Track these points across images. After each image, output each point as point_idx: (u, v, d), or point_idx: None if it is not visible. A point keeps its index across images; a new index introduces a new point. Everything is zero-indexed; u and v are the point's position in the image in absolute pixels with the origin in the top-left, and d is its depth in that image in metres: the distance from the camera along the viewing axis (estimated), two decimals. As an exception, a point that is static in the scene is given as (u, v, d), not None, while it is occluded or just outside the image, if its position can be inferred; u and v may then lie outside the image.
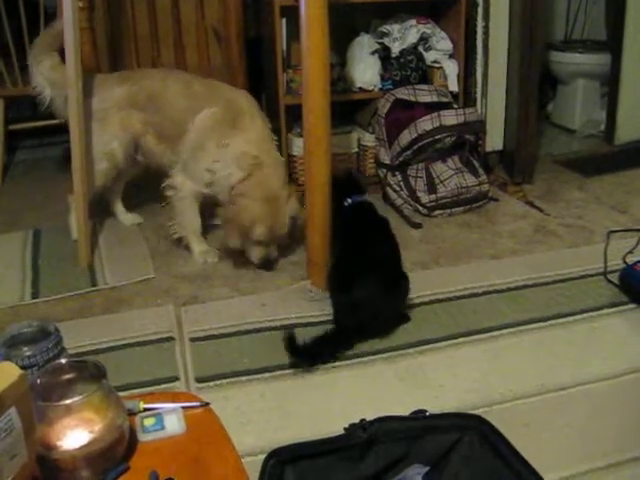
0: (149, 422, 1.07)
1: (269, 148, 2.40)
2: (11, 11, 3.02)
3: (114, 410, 0.97)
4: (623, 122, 3.56)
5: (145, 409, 1.10)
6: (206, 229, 2.59)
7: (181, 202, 2.46)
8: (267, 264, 2.41)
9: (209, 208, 2.56)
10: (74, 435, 0.93)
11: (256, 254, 2.38)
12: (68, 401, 0.94)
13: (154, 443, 1.04)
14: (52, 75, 2.47)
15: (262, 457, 1.09)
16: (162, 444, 1.04)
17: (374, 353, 1.91)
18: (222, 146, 2.34)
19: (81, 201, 2.42)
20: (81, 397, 0.94)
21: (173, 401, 1.13)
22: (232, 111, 2.38)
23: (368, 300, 1.92)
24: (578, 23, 4.21)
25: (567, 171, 3.32)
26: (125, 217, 2.84)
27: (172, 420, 1.08)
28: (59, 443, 0.93)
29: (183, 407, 1.11)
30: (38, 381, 0.99)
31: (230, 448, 1.04)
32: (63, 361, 1.07)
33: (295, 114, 2.66)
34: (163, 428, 1.06)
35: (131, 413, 1.07)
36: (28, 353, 1.08)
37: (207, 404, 1.13)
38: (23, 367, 1.03)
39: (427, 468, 1.19)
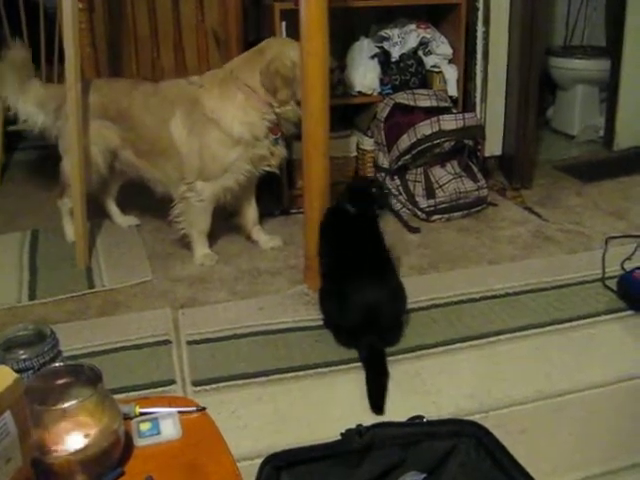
0: (145, 427, 1.07)
1: None
2: (11, 11, 3.01)
3: (110, 414, 0.97)
4: (622, 128, 3.57)
5: (141, 413, 1.10)
6: (212, 232, 2.57)
7: (201, 204, 2.43)
8: None
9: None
10: (69, 439, 0.93)
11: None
12: (63, 405, 0.94)
13: (150, 448, 1.04)
14: (41, 99, 2.49)
15: (258, 461, 1.09)
16: (158, 449, 1.03)
17: (371, 358, 1.90)
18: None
19: (79, 203, 2.42)
20: (76, 401, 0.94)
21: (169, 405, 1.13)
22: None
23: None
24: (578, 29, 4.21)
25: (566, 177, 3.33)
26: (122, 219, 2.83)
27: (168, 425, 1.08)
28: (54, 447, 0.92)
29: (179, 412, 1.11)
30: (34, 385, 0.98)
31: (226, 453, 1.03)
32: (59, 365, 1.07)
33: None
34: (159, 433, 1.06)
35: (127, 417, 1.07)
36: (24, 356, 1.08)
37: (203, 409, 1.12)
38: (19, 370, 1.02)
39: (424, 475, 1.19)
